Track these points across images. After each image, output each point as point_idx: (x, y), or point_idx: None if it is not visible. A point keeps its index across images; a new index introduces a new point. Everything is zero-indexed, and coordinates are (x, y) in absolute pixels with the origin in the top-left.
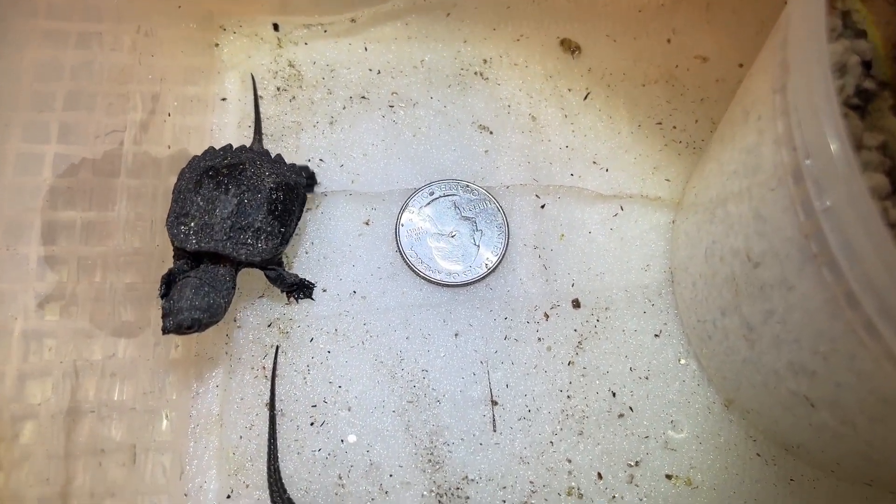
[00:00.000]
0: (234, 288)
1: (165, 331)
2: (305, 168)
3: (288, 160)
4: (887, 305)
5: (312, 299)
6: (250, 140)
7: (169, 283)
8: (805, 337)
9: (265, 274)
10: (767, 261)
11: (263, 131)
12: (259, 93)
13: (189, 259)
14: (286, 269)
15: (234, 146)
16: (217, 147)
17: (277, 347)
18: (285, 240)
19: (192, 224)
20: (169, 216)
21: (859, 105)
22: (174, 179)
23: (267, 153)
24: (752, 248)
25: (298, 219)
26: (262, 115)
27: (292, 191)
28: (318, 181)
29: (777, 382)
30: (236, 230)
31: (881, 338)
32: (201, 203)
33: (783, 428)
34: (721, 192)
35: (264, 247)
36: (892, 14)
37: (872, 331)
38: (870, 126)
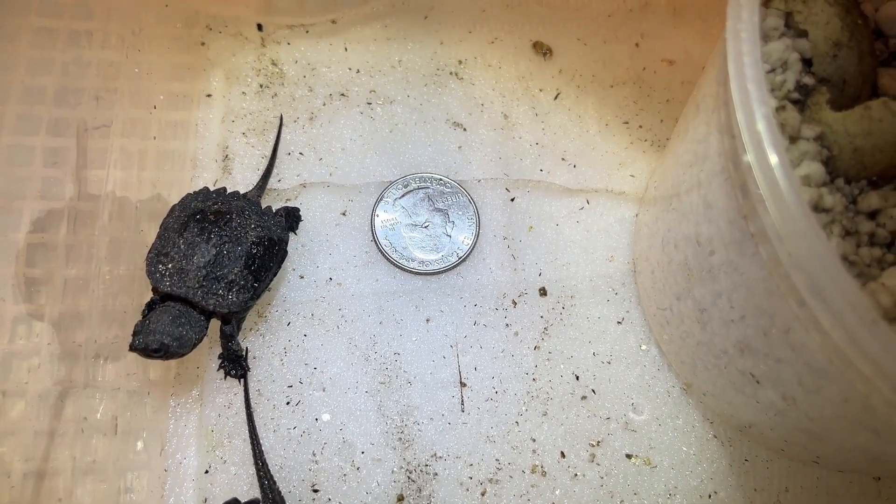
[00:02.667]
0: (205, 330)
1: (132, 348)
2: (296, 210)
3: (268, 153)
4: (814, 280)
5: (238, 380)
6: (234, 134)
7: (151, 307)
8: (749, 315)
9: (221, 328)
10: (715, 244)
11: (248, 127)
12: (242, 89)
13: (162, 298)
14: (240, 334)
15: (228, 189)
16: (212, 188)
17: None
18: (257, 294)
19: (170, 266)
20: (150, 252)
21: (799, 99)
22: (159, 172)
23: (258, 204)
24: (702, 233)
25: (275, 275)
26: (244, 111)
27: (273, 246)
28: (300, 224)
29: (727, 362)
30: (210, 280)
31: (810, 311)
32: (182, 247)
33: (736, 408)
34: (676, 184)
35: (234, 299)
36: (831, 15)
37: (802, 304)
38: (808, 119)
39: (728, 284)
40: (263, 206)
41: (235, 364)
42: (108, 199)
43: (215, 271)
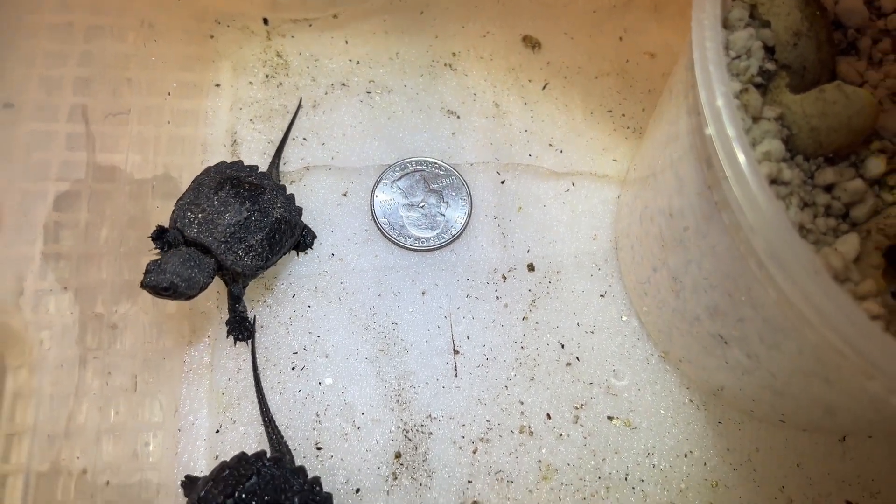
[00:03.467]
0: (213, 277)
1: (143, 285)
2: (308, 233)
3: (273, 138)
4: (769, 244)
5: (245, 342)
6: (241, 121)
7: (162, 233)
8: (716, 279)
9: (228, 290)
10: (685, 215)
11: (255, 114)
12: (249, 79)
13: (182, 242)
14: (249, 305)
15: (261, 168)
16: (246, 164)
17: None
18: (267, 265)
19: (200, 216)
20: (181, 200)
21: (762, 83)
22: (171, 157)
23: (284, 188)
24: (674, 206)
25: (284, 254)
26: (251, 99)
27: (291, 228)
28: (315, 243)
29: (699, 327)
30: (234, 238)
31: (766, 269)
32: (216, 203)
33: (709, 372)
34: (652, 163)
35: (249, 262)
36: (791, 7)
37: (761, 265)
38: (769, 101)
39: (697, 252)
40: None
41: (241, 327)
42: (125, 181)
43: (240, 233)
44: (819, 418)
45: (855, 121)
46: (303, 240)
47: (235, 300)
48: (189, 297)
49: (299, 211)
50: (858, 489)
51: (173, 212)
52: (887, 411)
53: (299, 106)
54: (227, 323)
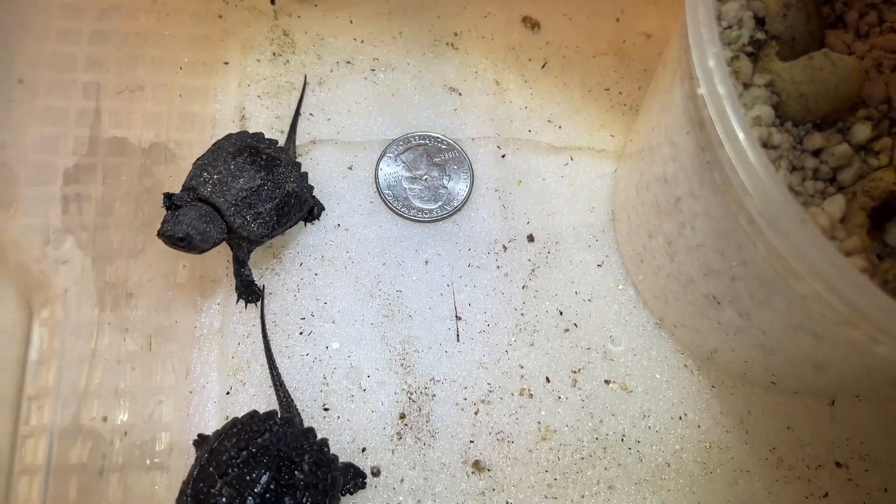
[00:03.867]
0: (224, 234)
1: (160, 234)
2: (317, 205)
3: (280, 113)
4: (759, 198)
5: (255, 304)
6: (249, 97)
7: (170, 198)
8: (709, 239)
9: (234, 254)
10: (679, 179)
11: (263, 90)
12: (257, 57)
13: (194, 200)
14: (257, 273)
15: (279, 142)
16: (267, 136)
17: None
18: (273, 234)
19: (216, 177)
20: (199, 160)
21: (752, 52)
22: (181, 132)
23: (299, 165)
24: (668, 172)
25: (291, 226)
26: (259, 76)
27: (301, 203)
28: (322, 214)
29: (693, 289)
30: (244, 203)
31: (756, 225)
32: (232, 167)
33: (702, 335)
34: (648, 133)
35: (255, 229)
36: None
37: (750, 221)
38: (759, 69)
39: (690, 214)
40: None
41: (249, 290)
42: (137, 155)
43: (251, 199)
44: (808, 376)
45: (842, 87)
46: (311, 211)
47: (241, 264)
48: (200, 251)
49: (310, 188)
50: (847, 451)
51: (190, 170)
52: (871, 361)
53: (305, 83)
54: (237, 288)
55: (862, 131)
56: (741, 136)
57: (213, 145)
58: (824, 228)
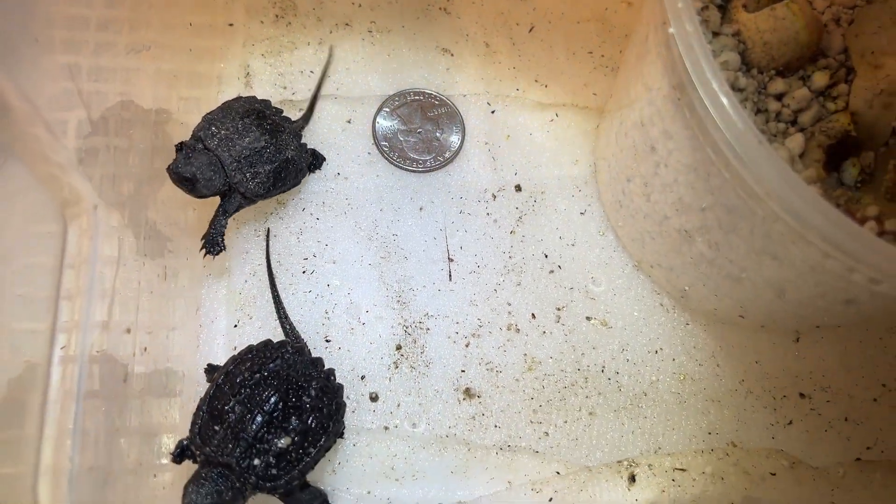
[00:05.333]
0: (225, 187)
1: (169, 168)
2: (321, 156)
3: (283, 71)
4: (724, 127)
5: (212, 256)
6: (254, 56)
7: (182, 145)
8: (681, 175)
9: (221, 205)
10: (654, 121)
11: (266, 50)
12: (260, 19)
13: (198, 150)
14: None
15: (283, 112)
16: (273, 104)
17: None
18: (267, 195)
19: (223, 132)
20: (209, 114)
21: (721, 4)
22: (189, 90)
23: (300, 136)
24: (644, 115)
25: (284, 191)
26: (262, 37)
27: (297, 171)
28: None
29: (667, 226)
30: (245, 163)
31: (722, 154)
32: (239, 126)
33: (676, 272)
34: (626, 84)
35: (252, 187)
36: None
37: (718, 151)
38: (727, 19)
39: (664, 152)
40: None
41: (215, 241)
42: (147, 111)
43: (253, 158)
44: (772, 304)
45: (802, 35)
46: (313, 161)
47: (224, 214)
48: (200, 196)
49: (307, 158)
50: (810, 383)
51: (200, 122)
52: (824, 279)
53: (329, 58)
54: (205, 236)
55: (821, 78)
56: (706, 69)
57: (224, 104)
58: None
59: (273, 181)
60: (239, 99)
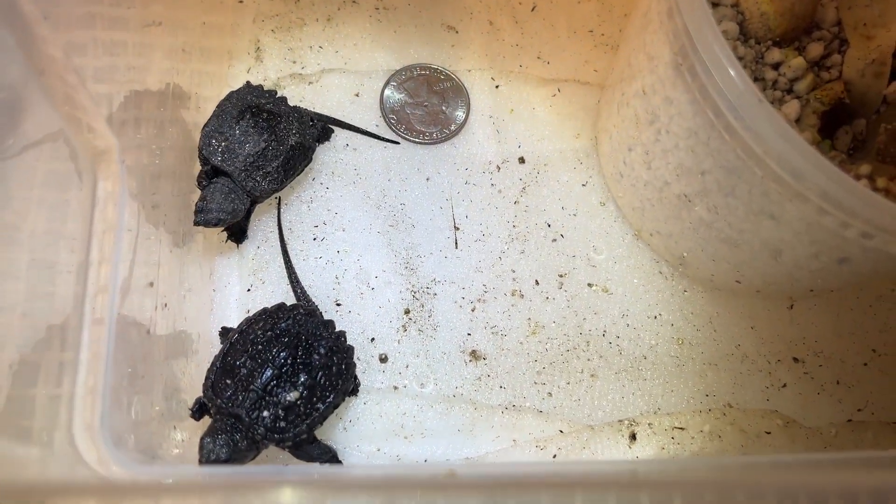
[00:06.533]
0: (248, 202)
1: (196, 223)
2: (329, 129)
3: (293, 46)
4: (728, 91)
5: (237, 244)
6: (264, 31)
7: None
8: (681, 140)
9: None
10: (656, 88)
11: (276, 25)
12: None
13: (209, 167)
14: None
15: (278, 94)
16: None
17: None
18: (282, 187)
19: (224, 144)
20: (207, 126)
21: None
22: (201, 64)
23: (300, 112)
24: (646, 83)
25: (298, 174)
26: (272, 12)
27: (305, 152)
28: (330, 137)
29: (668, 192)
30: (253, 167)
31: (723, 115)
32: (237, 133)
33: (674, 238)
34: (626, 56)
35: (266, 187)
36: None
37: (718, 113)
38: None
39: (666, 118)
40: (293, 96)
41: (242, 231)
42: (159, 84)
43: (259, 161)
44: (769, 267)
45: (797, 7)
46: (322, 134)
47: (248, 213)
48: (236, 220)
49: (313, 134)
50: (804, 348)
51: (199, 139)
52: (820, 236)
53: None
54: (227, 228)
55: (815, 49)
56: (707, 31)
57: (217, 108)
58: None
59: (284, 172)
60: (230, 97)
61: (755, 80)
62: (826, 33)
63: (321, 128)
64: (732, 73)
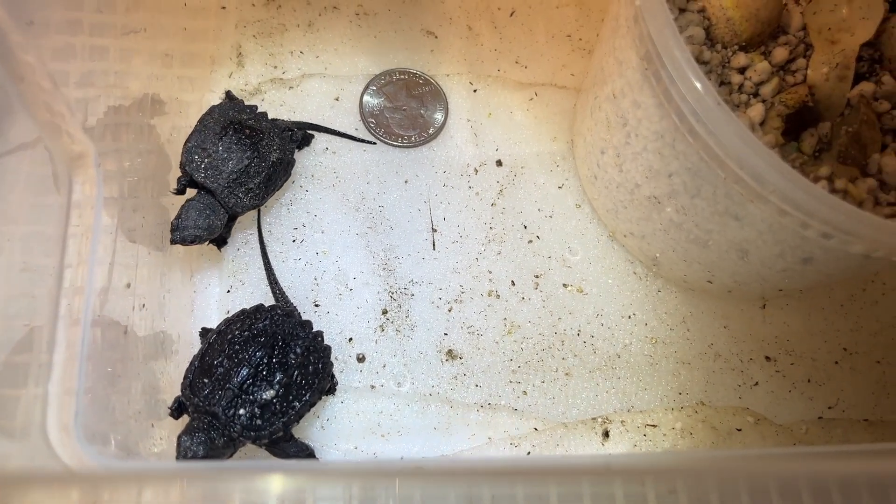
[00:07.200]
0: (226, 217)
1: (173, 242)
2: (309, 136)
3: (274, 52)
4: (690, 96)
5: (219, 249)
6: (245, 36)
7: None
8: (650, 142)
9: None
10: (625, 91)
11: (257, 31)
12: (252, 2)
13: (190, 182)
14: None
15: (261, 98)
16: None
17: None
18: (263, 201)
19: (207, 160)
20: (189, 142)
21: None
22: (183, 69)
23: (281, 128)
24: (616, 87)
25: (279, 188)
26: (254, 19)
27: (286, 166)
28: (311, 143)
29: (638, 194)
30: (236, 184)
31: (686, 118)
32: (220, 150)
33: (648, 240)
34: (599, 60)
35: (247, 203)
36: None
37: (681, 116)
38: None
39: (634, 122)
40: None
41: (223, 240)
42: (142, 88)
43: (241, 178)
44: (737, 266)
45: (762, 12)
46: (302, 140)
47: (226, 226)
48: (214, 237)
49: (293, 148)
50: (776, 347)
51: (182, 154)
52: (782, 237)
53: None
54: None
55: (781, 53)
56: (669, 37)
57: (199, 123)
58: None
59: (265, 188)
60: (212, 112)
61: (721, 84)
62: (791, 38)
63: (302, 135)
64: (692, 77)
